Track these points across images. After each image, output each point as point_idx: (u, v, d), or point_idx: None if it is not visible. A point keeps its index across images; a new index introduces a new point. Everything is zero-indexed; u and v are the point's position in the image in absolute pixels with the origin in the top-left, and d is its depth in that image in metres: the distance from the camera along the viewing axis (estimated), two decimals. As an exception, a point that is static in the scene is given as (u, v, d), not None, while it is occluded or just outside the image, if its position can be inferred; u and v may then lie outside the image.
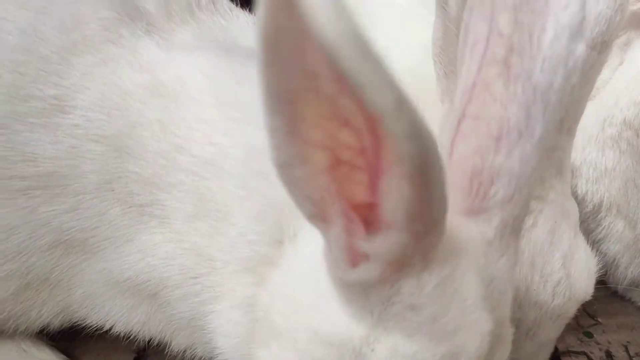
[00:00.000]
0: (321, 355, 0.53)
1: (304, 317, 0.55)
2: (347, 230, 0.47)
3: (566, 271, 0.72)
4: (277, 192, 0.50)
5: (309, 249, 0.59)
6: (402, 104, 0.37)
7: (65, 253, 0.76)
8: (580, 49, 0.54)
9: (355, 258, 0.48)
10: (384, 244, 0.45)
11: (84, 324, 0.82)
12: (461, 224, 0.53)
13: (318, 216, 0.47)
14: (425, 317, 0.49)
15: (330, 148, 0.43)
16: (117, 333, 0.80)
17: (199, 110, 0.72)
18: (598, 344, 0.96)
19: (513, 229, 0.55)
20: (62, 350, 0.92)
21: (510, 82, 0.53)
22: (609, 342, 0.97)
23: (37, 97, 0.72)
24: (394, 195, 0.43)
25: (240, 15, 0.87)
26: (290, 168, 0.43)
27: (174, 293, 0.72)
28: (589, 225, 1.03)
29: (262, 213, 0.66)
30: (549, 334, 0.76)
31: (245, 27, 0.86)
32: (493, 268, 0.54)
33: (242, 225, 0.67)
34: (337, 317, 0.52)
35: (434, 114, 0.65)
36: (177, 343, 0.78)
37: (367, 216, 0.46)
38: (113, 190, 0.72)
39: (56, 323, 0.83)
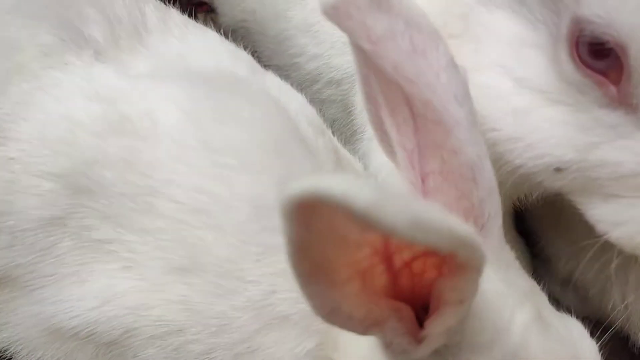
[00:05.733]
0: None
1: None
2: (402, 322, 0.46)
3: None
4: None
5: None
6: (469, 242, 0.37)
7: None
8: None
9: (417, 337, 0.47)
10: (442, 324, 0.44)
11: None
12: None
13: (372, 327, 0.45)
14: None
15: (361, 276, 0.42)
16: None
17: (180, 153, 0.64)
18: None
19: None
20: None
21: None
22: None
23: None
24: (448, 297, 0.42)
25: (195, 29, 0.80)
26: (334, 314, 0.42)
27: (145, 344, 0.63)
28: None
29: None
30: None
31: (203, 44, 0.78)
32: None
33: (267, 283, 0.61)
34: None
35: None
36: None
37: (413, 303, 0.46)
38: (65, 225, 0.64)
39: None
